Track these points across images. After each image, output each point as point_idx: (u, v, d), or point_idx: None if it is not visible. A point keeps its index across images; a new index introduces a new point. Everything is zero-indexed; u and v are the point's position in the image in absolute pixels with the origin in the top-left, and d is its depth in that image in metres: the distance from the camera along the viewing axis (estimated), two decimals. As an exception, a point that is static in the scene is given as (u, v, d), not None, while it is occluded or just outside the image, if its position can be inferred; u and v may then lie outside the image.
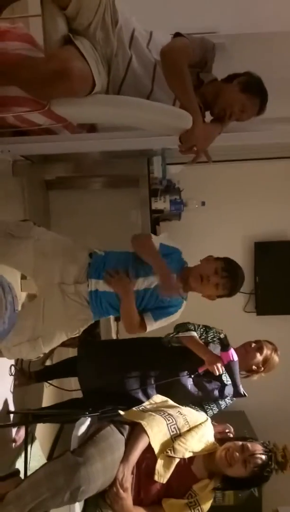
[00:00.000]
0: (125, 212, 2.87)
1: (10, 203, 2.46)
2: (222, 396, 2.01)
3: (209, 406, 2.00)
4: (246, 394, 2.00)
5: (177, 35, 1.65)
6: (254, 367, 2.02)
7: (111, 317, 2.67)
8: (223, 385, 1.99)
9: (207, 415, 1.90)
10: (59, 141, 2.07)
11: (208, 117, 1.82)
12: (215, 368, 1.87)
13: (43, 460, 2.19)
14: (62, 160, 2.46)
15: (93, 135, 2.18)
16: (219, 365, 1.88)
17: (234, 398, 2.06)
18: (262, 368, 2.03)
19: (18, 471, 1.69)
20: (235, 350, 1.99)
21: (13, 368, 2.18)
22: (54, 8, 1.45)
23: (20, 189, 2.57)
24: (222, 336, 2.07)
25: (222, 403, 2.03)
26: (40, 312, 1.73)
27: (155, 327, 1.76)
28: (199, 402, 2.00)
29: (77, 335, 1.82)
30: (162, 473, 1.54)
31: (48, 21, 1.47)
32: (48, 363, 2.64)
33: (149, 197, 2.52)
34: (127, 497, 1.47)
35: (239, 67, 1.80)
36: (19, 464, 1.94)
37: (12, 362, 2.24)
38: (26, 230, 1.74)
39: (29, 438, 2.04)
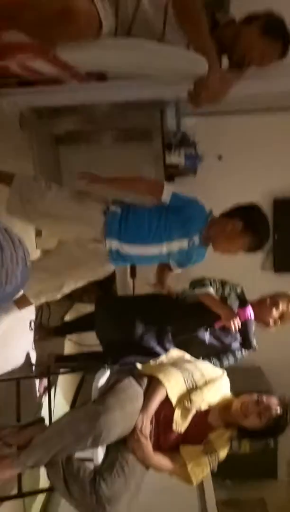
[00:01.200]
0: (138, 167, 2.78)
1: (19, 158, 2.40)
2: (243, 347, 2.03)
3: (226, 356, 2.02)
4: (256, 348, 2.03)
5: None
6: (271, 322, 2.02)
7: (128, 274, 2.68)
8: (243, 336, 2.00)
9: (223, 365, 1.93)
10: (66, 92, 1.97)
11: (224, 64, 1.70)
12: (232, 323, 1.87)
13: (66, 409, 2.30)
14: (71, 113, 2.36)
15: (103, 85, 2.06)
16: (235, 321, 1.88)
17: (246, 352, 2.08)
18: (279, 322, 2.03)
19: (43, 418, 1.78)
20: (251, 305, 1.98)
21: (32, 323, 2.24)
22: None
23: (29, 143, 2.49)
24: (239, 290, 2.07)
25: (239, 354, 2.05)
26: (61, 261, 1.81)
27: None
28: (217, 353, 2.02)
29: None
30: (180, 423, 1.60)
31: None
32: (66, 318, 2.71)
33: (163, 151, 2.43)
34: (147, 443, 1.54)
35: (259, 7, 1.63)
36: (44, 413, 2.04)
37: (32, 317, 2.30)
38: (38, 192, 1.72)
39: (52, 388, 2.13)
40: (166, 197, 1.69)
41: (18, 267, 0.72)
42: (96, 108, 2.34)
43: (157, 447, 1.61)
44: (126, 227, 1.68)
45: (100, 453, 1.57)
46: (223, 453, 1.63)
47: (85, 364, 2.31)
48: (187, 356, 1.86)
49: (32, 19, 1.35)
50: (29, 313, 2.29)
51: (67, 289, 1.86)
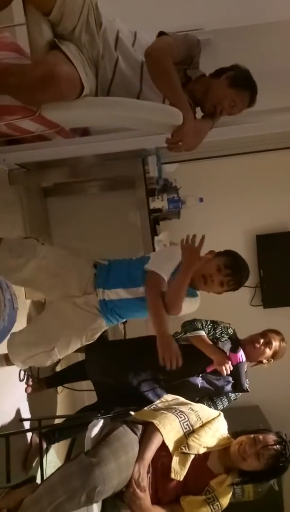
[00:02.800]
0: (124, 214, 2.88)
1: (9, 212, 2.47)
2: (234, 390, 2.01)
3: (220, 399, 2.00)
4: (249, 390, 2.01)
5: (160, 34, 1.65)
6: (264, 360, 2.02)
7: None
8: (235, 380, 1.99)
9: (218, 408, 1.90)
10: (53, 147, 2.09)
11: (199, 114, 1.83)
12: (224, 369, 1.87)
13: (59, 463, 2.19)
14: (57, 166, 2.47)
15: (87, 139, 2.19)
16: (227, 365, 1.87)
17: (239, 394, 2.06)
18: (272, 360, 2.03)
19: (34, 477, 1.69)
20: (243, 346, 1.98)
21: (22, 372, 2.18)
22: (38, 15, 1.45)
23: (18, 197, 2.59)
24: (230, 331, 2.08)
25: (232, 396, 2.03)
26: (53, 323, 1.77)
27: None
28: (210, 397, 1.99)
29: (92, 342, 1.83)
30: (178, 470, 1.54)
31: (33, 28, 1.47)
32: (57, 368, 2.64)
33: (146, 197, 2.53)
34: (145, 496, 1.47)
35: (226, 61, 1.80)
36: (36, 471, 1.95)
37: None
38: (30, 249, 1.72)
39: (44, 446, 2.04)
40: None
41: (6, 310, 0.74)
42: (82, 160, 2.46)
43: (156, 499, 1.53)
44: (111, 274, 1.73)
45: (95, 511, 1.48)
46: (225, 501, 1.56)
47: (77, 416, 2.25)
48: (181, 399, 1.83)
49: (17, 85, 1.46)
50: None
51: (59, 355, 1.77)
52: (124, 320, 1.91)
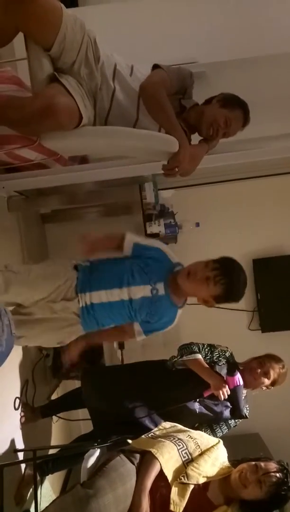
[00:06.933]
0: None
1: (7, 239, 2.50)
2: (233, 416, 1.97)
3: (219, 426, 1.96)
4: (248, 416, 1.97)
5: (155, 67, 1.73)
6: (264, 388, 1.99)
7: (115, 344, 2.65)
8: (233, 405, 1.96)
9: (217, 436, 1.86)
10: (52, 175, 2.13)
11: (195, 140, 1.89)
12: (221, 393, 1.84)
13: (53, 499, 2.11)
14: (56, 193, 2.52)
15: (85, 166, 2.24)
16: (224, 390, 1.85)
17: (239, 420, 2.02)
18: (272, 387, 2.01)
19: (28, 511, 1.63)
20: (242, 373, 1.96)
21: (17, 401, 2.14)
22: (39, 50, 1.52)
23: (16, 224, 2.61)
24: (228, 354, 2.06)
25: (231, 422, 1.99)
26: (22, 320, 1.61)
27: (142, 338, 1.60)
28: (209, 423, 1.95)
29: (61, 345, 1.71)
30: (178, 502, 1.48)
31: (33, 62, 1.54)
32: (53, 396, 2.60)
33: (143, 223, 2.56)
34: None
35: (220, 91, 1.88)
36: (30, 504, 1.88)
37: (17, 394, 2.20)
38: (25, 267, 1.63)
39: (38, 477, 1.97)
40: (127, 249, 1.57)
41: (4, 335, 0.74)
42: (80, 187, 2.51)
43: (155, 532, 1.48)
44: (93, 276, 1.56)
45: None
46: (226, 535, 1.50)
47: (73, 445, 2.19)
48: (180, 426, 1.79)
49: (17, 117, 1.51)
50: (13, 391, 2.21)
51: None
52: (103, 326, 1.67)
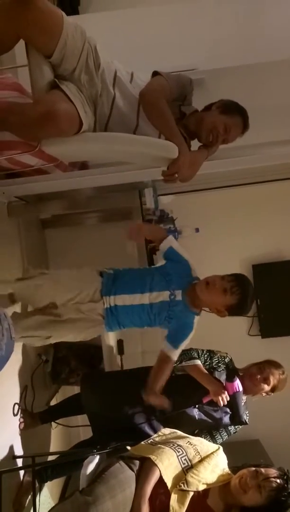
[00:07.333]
0: (121, 245, 2.90)
1: (7, 244, 2.50)
2: (233, 422, 1.97)
3: (219, 433, 1.95)
4: (248, 422, 1.96)
5: (155, 74, 1.75)
6: (264, 394, 1.99)
7: (114, 350, 2.64)
8: (232, 411, 1.95)
9: (217, 442, 1.85)
10: (52, 180, 2.14)
11: (194, 146, 1.90)
12: (220, 399, 1.84)
13: (52, 506, 2.09)
14: (56, 198, 2.52)
15: (85, 172, 2.25)
16: (224, 396, 1.84)
17: (239, 427, 2.01)
18: (272, 394, 2.00)
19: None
20: (242, 379, 1.96)
21: (16, 406, 2.13)
22: (40, 57, 1.54)
23: (17, 229, 2.62)
24: (227, 360, 2.05)
25: (231, 429, 1.98)
26: (53, 320, 1.77)
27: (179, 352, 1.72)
28: (209, 430, 1.94)
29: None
30: (177, 509, 1.47)
31: (34, 69, 1.55)
32: (52, 402, 2.59)
33: (143, 228, 2.56)
34: None
35: (220, 98, 1.89)
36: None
37: (16, 400, 2.19)
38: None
39: (37, 484, 1.96)
40: (163, 248, 1.75)
41: (4, 339, 0.74)
42: (80, 192, 2.52)
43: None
44: (117, 282, 1.73)
45: None
46: None
47: (72, 452, 2.17)
48: (179, 432, 1.78)
49: (18, 123, 1.53)
50: (12, 396, 2.20)
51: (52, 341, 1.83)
52: (124, 327, 1.83)
